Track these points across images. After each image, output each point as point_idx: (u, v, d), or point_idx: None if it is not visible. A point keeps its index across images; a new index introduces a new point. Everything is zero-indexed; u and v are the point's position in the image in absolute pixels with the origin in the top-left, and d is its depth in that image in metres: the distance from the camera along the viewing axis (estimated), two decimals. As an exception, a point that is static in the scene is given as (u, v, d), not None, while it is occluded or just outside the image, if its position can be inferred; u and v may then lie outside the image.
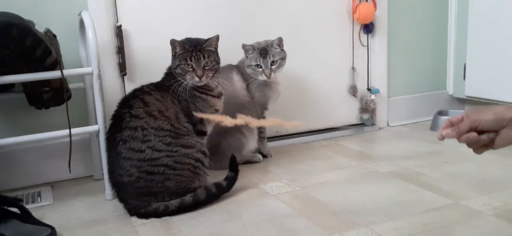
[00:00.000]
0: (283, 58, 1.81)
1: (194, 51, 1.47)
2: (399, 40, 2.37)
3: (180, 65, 1.47)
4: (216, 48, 1.53)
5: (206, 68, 1.48)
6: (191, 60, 1.46)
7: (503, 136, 0.97)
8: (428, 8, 2.42)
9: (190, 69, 1.47)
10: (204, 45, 1.49)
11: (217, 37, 1.52)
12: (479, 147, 1.02)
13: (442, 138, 1.02)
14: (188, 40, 1.51)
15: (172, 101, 1.47)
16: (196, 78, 1.47)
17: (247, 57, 1.80)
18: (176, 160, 1.40)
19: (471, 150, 1.13)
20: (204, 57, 1.47)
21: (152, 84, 1.51)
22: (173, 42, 1.49)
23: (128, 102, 1.45)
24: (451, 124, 1.02)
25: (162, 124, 1.41)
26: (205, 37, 1.52)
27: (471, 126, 0.98)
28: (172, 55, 1.52)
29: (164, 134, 1.40)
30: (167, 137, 1.40)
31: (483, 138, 0.99)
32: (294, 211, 1.40)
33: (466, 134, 0.99)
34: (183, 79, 1.47)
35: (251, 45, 1.79)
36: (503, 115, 0.96)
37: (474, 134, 0.98)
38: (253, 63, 1.77)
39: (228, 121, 1.36)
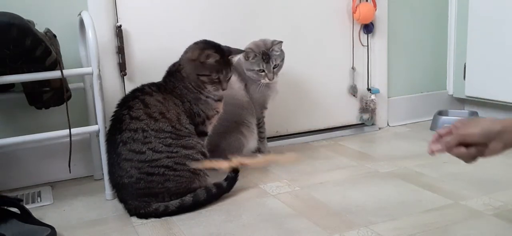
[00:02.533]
0: (283, 59, 1.82)
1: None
2: (399, 40, 2.37)
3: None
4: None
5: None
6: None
7: (491, 149, 0.99)
8: (428, 8, 2.42)
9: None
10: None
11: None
12: (469, 159, 1.03)
13: (432, 152, 1.04)
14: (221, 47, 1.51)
15: (174, 103, 1.46)
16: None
17: (247, 61, 1.79)
18: (176, 161, 1.40)
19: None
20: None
21: (153, 84, 1.50)
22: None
23: (127, 103, 1.45)
24: (440, 137, 1.04)
25: (162, 126, 1.41)
26: (205, 38, 1.51)
27: (459, 141, 1.00)
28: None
29: (164, 136, 1.40)
30: (168, 138, 1.40)
31: (472, 151, 1.00)
32: (294, 211, 1.40)
33: (455, 149, 1.01)
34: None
35: (251, 49, 1.78)
36: (490, 129, 0.98)
37: (462, 149, 1.00)
38: (256, 68, 1.77)
39: (224, 165, 1.43)
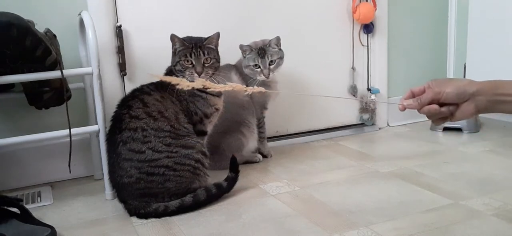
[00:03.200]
0: (281, 58, 1.80)
1: (194, 47, 1.47)
2: (399, 40, 2.37)
3: (180, 62, 1.48)
4: (216, 46, 1.53)
5: (206, 65, 1.48)
6: (191, 56, 1.46)
7: (463, 109, 0.98)
8: (428, 8, 2.42)
9: (190, 66, 1.47)
10: (204, 42, 1.49)
11: (218, 35, 1.52)
12: (438, 119, 1.02)
13: (404, 108, 1.02)
14: (189, 37, 1.51)
15: (172, 101, 1.47)
16: (195, 74, 1.46)
17: (244, 57, 1.79)
18: (176, 161, 1.40)
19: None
20: (204, 54, 1.47)
21: (152, 84, 1.51)
22: (173, 37, 1.49)
23: (127, 103, 1.45)
24: (413, 95, 1.02)
25: (162, 125, 1.41)
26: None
27: (433, 98, 0.99)
28: (172, 52, 1.52)
29: (164, 135, 1.40)
30: (167, 138, 1.40)
31: (443, 110, 0.99)
32: (294, 211, 1.40)
33: (427, 106, 0.99)
34: (182, 75, 1.47)
35: (248, 45, 1.78)
36: (466, 89, 0.97)
37: (435, 106, 0.99)
38: (251, 63, 1.77)
39: (184, 84, 1.35)
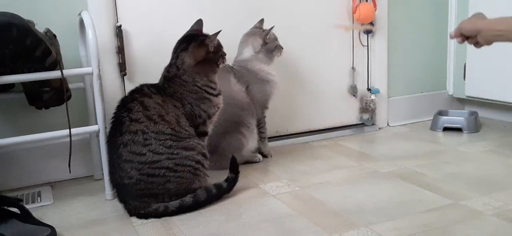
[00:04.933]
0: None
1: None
2: (399, 40, 2.37)
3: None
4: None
5: None
6: None
7: (479, 41, 1.37)
8: (428, 8, 2.42)
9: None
10: None
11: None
12: (473, 44, 1.42)
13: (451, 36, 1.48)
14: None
15: (174, 105, 1.46)
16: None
17: (268, 43, 1.84)
18: (176, 162, 1.39)
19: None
20: None
21: (153, 86, 1.49)
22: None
23: (126, 105, 1.43)
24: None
25: (162, 128, 1.41)
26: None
27: (459, 32, 1.42)
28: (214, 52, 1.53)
29: (164, 138, 1.40)
30: (168, 140, 1.40)
31: (469, 41, 1.42)
32: (294, 211, 1.40)
33: (458, 38, 1.44)
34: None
35: (265, 34, 1.84)
36: (474, 27, 1.38)
37: (460, 39, 1.44)
38: (277, 43, 1.88)
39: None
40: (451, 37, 1.47)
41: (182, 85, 1.48)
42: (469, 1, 2.27)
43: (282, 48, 1.88)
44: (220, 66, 1.56)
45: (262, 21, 1.91)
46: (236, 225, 1.31)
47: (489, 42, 1.36)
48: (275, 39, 1.88)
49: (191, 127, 1.48)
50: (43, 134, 1.51)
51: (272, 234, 1.26)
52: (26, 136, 1.48)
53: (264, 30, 1.86)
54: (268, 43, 1.84)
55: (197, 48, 1.49)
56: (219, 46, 1.55)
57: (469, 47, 2.30)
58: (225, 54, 1.57)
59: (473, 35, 1.38)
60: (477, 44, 1.39)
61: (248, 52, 1.85)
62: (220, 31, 1.52)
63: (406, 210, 1.36)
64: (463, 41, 1.43)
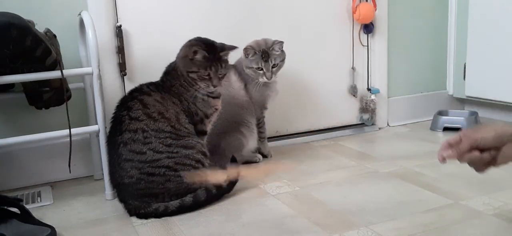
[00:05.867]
0: (283, 60, 1.81)
1: (214, 60, 1.47)
2: (399, 40, 2.37)
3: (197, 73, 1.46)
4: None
5: (220, 76, 1.51)
6: (210, 69, 1.47)
7: (505, 153, 0.97)
8: (428, 8, 2.42)
9: (207, 77, 1.46)
10: (222, 54, 1.49)
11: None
12: (482, 166, 1.01)
13: (443, 159, 1.02)
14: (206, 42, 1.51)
15: (173, 102, 1.47)
16: (211, 87, 1.48)
17: (247, 58, 1.79)
18: (177, 161, 1.40)
19: None
20: (221, 66, 1.50)
21: (152, 84, 1.50)
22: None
23: (126, 104, 1.44)
24: (450, 146, 1.02)
25: (162, 126, 1.41)
26: (205, 37, 1.51)
27: (471, 145, 0.98)
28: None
29: (164, 136, 1.40)
30: (168, 138, 1.40)
31: (485, 156, 0.98)
32: (294, 211, 1.40)
33: (468, 154, 0.99)
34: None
35: (251, 46, 1.79)
36: (504, 131, 0.96)
37: (476, 153, 0.98)
38: (255, 66, 1.77)
39: (221, 178, 1.46)
40: (450, 157, 1.03)
41: (177, 78, 1.48)
42: (469, 1, 2.27)
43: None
44: (198, 83, 1.47)
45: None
46: (236, 225, 1.31)
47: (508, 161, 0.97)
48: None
49: (191, 124, 1.48)
50: (43, 134, 1.51)
51: (272, 234, 1.26)
52: (26, 136, 1.48)
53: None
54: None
55: (185, 44, 1.50)
56: (197, 62, 1.45)
57: (469, 47, 2.31)
58: (204, 79, 1.46)
59: (498, 145, 0.97)
60: (494, 162, 1.00)
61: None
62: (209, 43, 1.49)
63: (406, 210, 1.36)
64: (472, 158, 1.00)
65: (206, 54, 1.45)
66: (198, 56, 1.45)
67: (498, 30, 2.16)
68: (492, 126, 0.99)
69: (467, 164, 1.02)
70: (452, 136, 1.02)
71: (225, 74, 1.52)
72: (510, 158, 0.97)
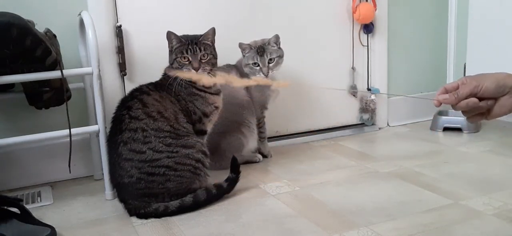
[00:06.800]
0: (281, 56, 1.80)
1: (191, 44, 1.47)
2: (399, 40, 2.37)
3: (177, 59, 1.48)
4: (212, 42, 1.53)
5: (203, 60, 1.48)
6: (187, 53, 1.47)
7: (501, 103, 0.95)
8: (428, 8, 2.42)
9: (187, 62, 1.47)
10: (200, 39, 1.50)
11: (213, 30, 1.52)
12: (475, 115, 0.99)
13: (439, 103, 0.99)
14: (185, 35, 1.51)
15: (171, 101, 1.47)
16: (193, 71, 1.47)
17: (244, 56, 1.80)
18: (176, 161, 1.40)
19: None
20: (200, 50, 1.47)
21: (151, 84, 1.51)
22: (169, 35, 1.50)
23: (126, 104, 1.45)
24: (446, 91, 0.98)
25: (161, 125, 1.41)
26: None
27: (471, 92, 0.95)
28: (169, 50, 1.52)
29: (164, 135, 1.40)
30: (167, 138, 1.40)
31: (482, 104, 0.95)
32: (294, 211, 1.40)
33: (465, 100, 0.95)
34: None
35: (248, 44, 1.79)
36: (505, 82, 0.93)
37: (474, 99, 0.95)
38: (250, 62, 1.77)
39: (206, 80, 1.43)
40: (447, 101, 0.98)
41: (176, 78, 1.48)
42: (469, 1, 2.27)
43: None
44: (177, 67, 1.49)
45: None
46: (236, 225, 1.31)
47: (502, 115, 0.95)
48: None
49: (189, 124, 1.48)
50: (43, 134, 1.51)
51: (272, 234, 1.26)
52: (26, 136, 1.48)
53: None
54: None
55: (166, 39, 1.51)
56: (175, 50, 1.49)
57: (469, 47, 2.31)
58: (185, 63, 1.47)
59: (497, 95, 0.95)
60: (489, 113, 0.97)
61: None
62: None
63: (406, 210, 1.36)
64: (469, 105, 0.96)
65: (181, 39, 1.48)
66: (174, 42, 1.49)
67: (498, 30, 2.16)
68: (494, 75, 0.95)
69: (461, 112, 1.00)
70: (450, 83, 1.00)
71: (210, 59, 1.50)
72: (506, 111, 0.95)
